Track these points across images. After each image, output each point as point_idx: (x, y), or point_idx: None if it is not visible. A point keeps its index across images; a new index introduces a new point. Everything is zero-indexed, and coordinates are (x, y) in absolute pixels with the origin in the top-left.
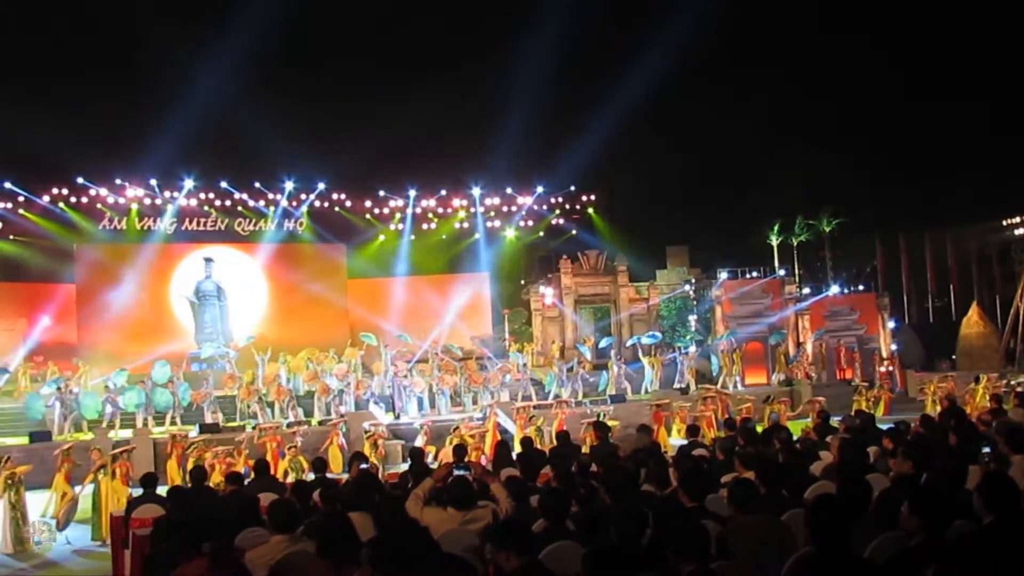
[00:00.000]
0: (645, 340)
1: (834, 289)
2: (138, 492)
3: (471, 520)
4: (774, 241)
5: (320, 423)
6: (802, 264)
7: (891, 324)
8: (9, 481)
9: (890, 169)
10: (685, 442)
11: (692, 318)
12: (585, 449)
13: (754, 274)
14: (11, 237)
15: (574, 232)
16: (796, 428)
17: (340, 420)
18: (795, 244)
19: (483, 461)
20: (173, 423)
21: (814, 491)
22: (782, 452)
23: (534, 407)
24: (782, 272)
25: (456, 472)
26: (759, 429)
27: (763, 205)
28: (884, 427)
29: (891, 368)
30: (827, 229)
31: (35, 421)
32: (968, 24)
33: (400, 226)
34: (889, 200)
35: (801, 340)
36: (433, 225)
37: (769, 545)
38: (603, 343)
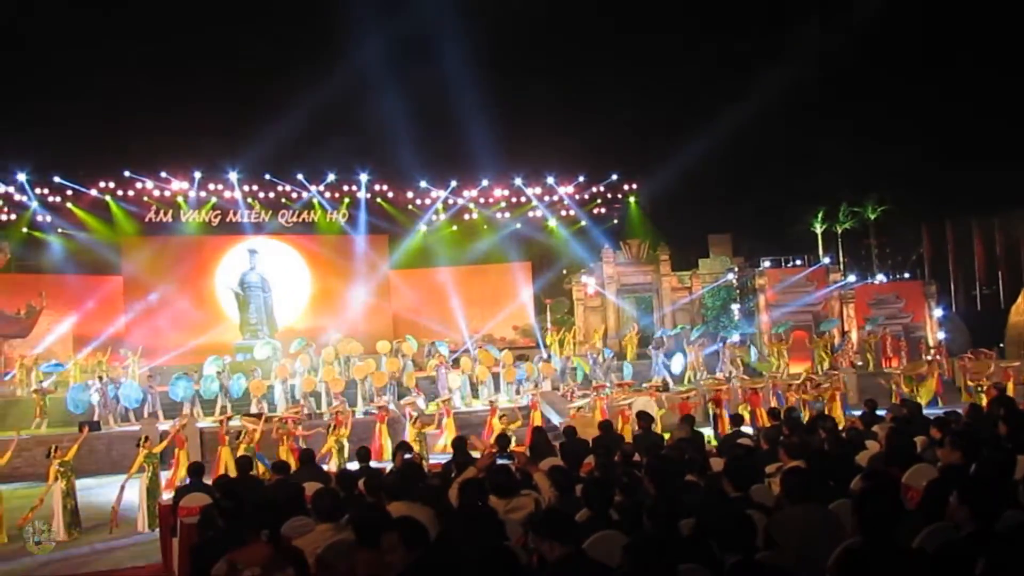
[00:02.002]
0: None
1: (879, 277)
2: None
3: (514, 508)
4: (818, 229)
5: (364, 413)
6: (847, 252)
7: (938, 312)
8: (60, 469)
9: (936, 155)
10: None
11: (735, 307)
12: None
13: (798, 262)
14: (59, 231)
15: (616, 221)
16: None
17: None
18: (839, 232)
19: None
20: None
21: (860, 481)
22: (828, 441)
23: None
24: (826, 260)
25: (499, 461)
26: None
27: (807, 192)
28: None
29: (938, 357)
30: (872, 216)
31: (79, 414)
32: (1010, 4)
33: (442, 217)
34: (935, 186)
35: (846, 329)
36: (474, 215)
37: (816, 535)
38: (672, 332)
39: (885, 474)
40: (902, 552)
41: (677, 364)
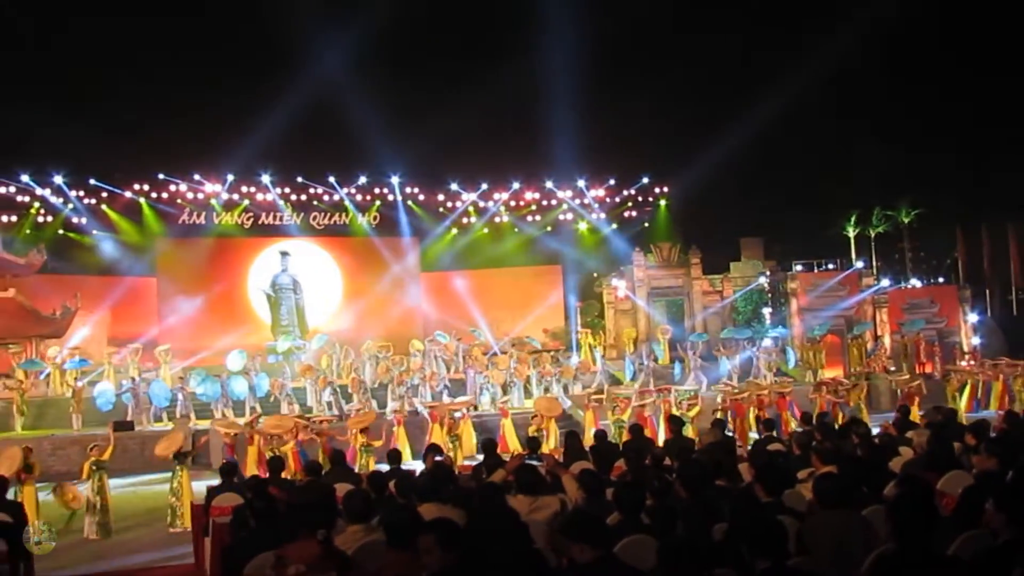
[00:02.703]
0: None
1: (913, 281)
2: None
3: (539, 507)
4: (851, 232)
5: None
6: (880, 256)
7: (973, 317)
8: (95, 467)
9: (971, 157)
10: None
11: (767, 311)
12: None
13: (831, 266)
14: (94, 232)
15: (647, 224)
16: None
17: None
18: (872, 235)
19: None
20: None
21: (895, 486)
22: (860, 447)
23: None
24: (859, 264)
25: (527, 462)
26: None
27: (839, 195)
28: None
29: (973, 362)
30: (906, 220)
31: (107, 412)
32: None
33: (472, 219)
34: (970, 189)
35: (879, 333)
36: (505, 218)
37: (850, 541)
38: (704, 336)
39: (920, 480)
40: (937, 559)
41: (723, 367)
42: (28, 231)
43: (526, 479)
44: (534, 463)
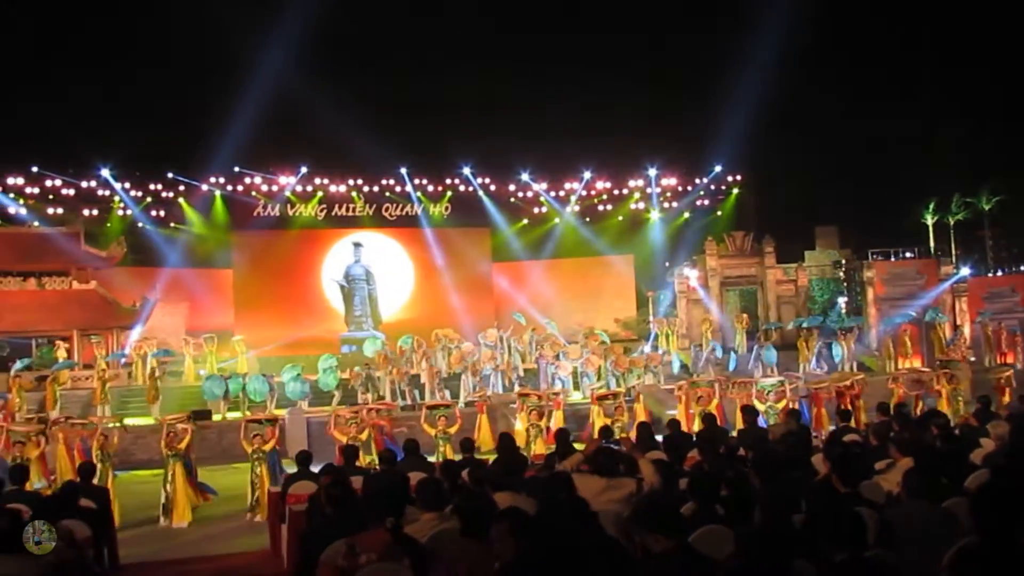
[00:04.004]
0: (805, 324)
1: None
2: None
3: (614, 487)
4: (929, 220)
5: (467, 404)
6: (959, 244)
7: None
8: (171, 453)
9: None
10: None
11: (842, 301)
12: None
13: (908, 255)
14: (172, 224)
15: (719, 213)
16: None
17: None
18: (952, 223)
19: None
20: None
21: (977, 479)
22: (940, 438)
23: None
24: (938, 252)
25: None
26: None
27: (917, 182)
28: None
29: None
30: (986, 207)
31: (213, 401)
32: None
33: (543, 209)
34: None
35: (959, 323)
36: (577, 208)
37: (933, 533)
38: (775, 324)
39: (1006, 470)
40: (1021, 553)
41: (771, 356)
42: (109, 224)
43: (602, 461)
44: (612, 447)
